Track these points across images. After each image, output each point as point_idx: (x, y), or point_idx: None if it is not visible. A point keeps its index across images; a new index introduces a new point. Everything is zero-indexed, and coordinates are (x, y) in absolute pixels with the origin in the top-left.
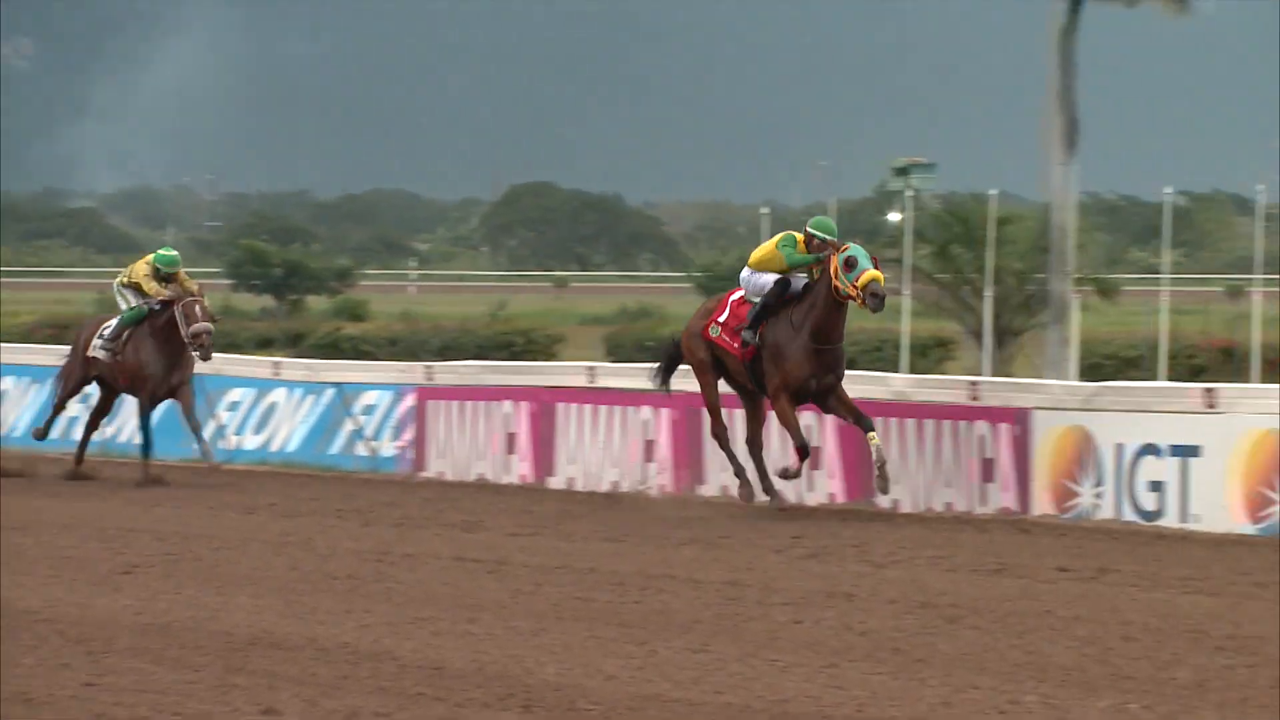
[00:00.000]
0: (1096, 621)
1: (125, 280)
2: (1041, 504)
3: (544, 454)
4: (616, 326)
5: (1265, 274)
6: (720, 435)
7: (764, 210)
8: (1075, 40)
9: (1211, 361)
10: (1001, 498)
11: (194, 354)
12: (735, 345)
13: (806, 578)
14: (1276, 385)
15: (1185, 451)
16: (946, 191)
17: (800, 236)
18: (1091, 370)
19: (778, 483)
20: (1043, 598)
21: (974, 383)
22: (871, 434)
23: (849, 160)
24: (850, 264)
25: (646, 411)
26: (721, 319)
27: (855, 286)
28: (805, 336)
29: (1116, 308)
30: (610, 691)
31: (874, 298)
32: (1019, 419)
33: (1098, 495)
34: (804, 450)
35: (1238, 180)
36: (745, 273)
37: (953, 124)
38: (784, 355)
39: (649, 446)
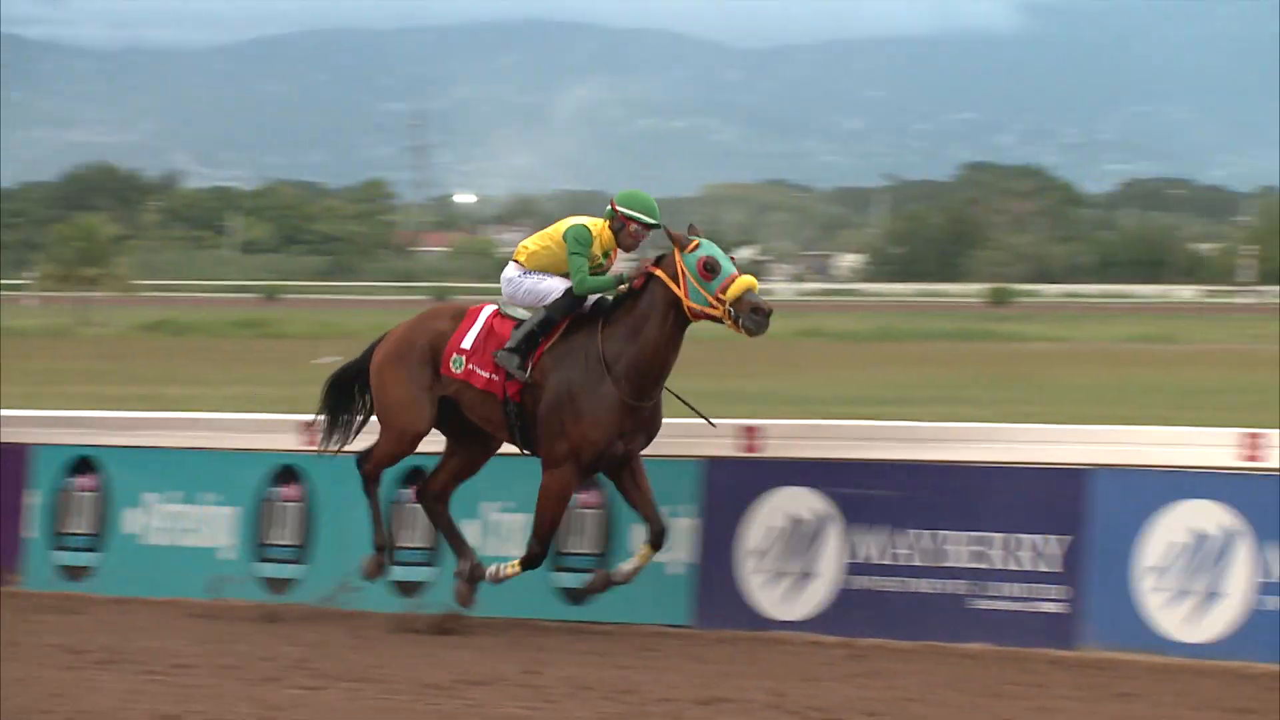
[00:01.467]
0: None
1: None
2: None
3: None
4: None
5: None
6: (371, 474)
7: None
8: None
9: None
10: None
11: None
12: (496, 379)
13: None
14: None
15: None
16: None
17: (598, 226)
18: None
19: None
20: None
21: None
22: (653, 550)
23: None
24: (710, 268)
25: None
26: (466, 344)
27: (720, 300)
28: (619, 381)
29: None
30: None
31: (755, 315)
32: None
33: None
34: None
35: None
36: (513, 271)
37: None
38: (580, 407)
39: None
